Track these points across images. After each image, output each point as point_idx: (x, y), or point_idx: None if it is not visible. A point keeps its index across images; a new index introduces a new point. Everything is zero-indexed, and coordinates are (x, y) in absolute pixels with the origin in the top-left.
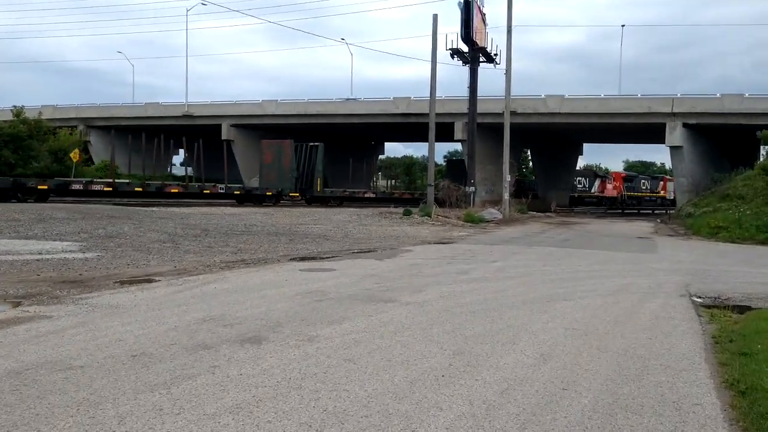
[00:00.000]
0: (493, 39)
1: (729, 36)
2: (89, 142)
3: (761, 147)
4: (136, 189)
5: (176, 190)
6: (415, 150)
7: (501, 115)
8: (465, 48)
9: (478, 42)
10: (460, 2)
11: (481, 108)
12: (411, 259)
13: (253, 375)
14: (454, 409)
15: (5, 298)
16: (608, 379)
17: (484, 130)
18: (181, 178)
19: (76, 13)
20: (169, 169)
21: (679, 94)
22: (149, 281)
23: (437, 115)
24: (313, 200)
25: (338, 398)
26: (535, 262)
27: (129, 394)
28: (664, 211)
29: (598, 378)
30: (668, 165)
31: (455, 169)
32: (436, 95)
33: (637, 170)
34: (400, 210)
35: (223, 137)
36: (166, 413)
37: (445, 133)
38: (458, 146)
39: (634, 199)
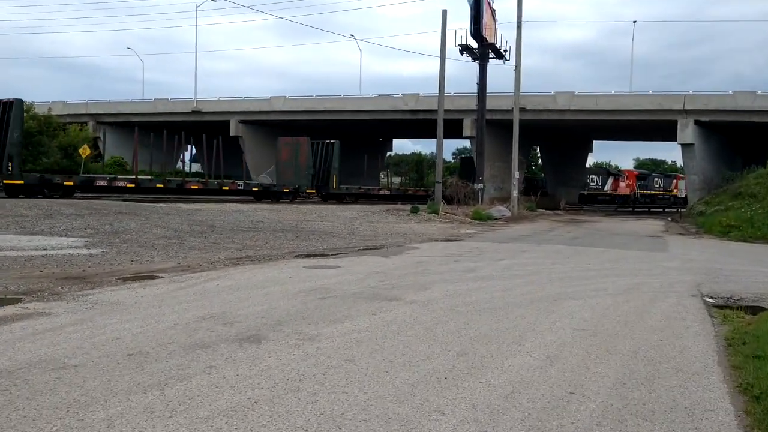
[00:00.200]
0: (503, 35)
1: (742, 33)
2: (99, 137)
3: None
4: (158, 185)
5: (196, 187)
6: (424, 146)
7: (510, 111)
8: (474, 44)
9: (487, 38)
10: None
11: (490, 104)
12: (417, 256)
13: (250, 376)
14: (457, 414)
15: (6, 295)
16: (618, 383)
17: (493, 126)
18: (200, 175)
19: (86, 8)
20: (180, 165)
21: (690, 91)
22: (152, 278)
23: (446, 111)
24: (329, 197)
25: (337, 401)
26: (543, 260)
27: (121, 395)
28: (675, 210)
29: (607, 381)
30: (679, 163)
31: (468, 167)
32: (445, 91)
33: (648, 168)
34: (408, 207)
35: (232, 133)
36: (158, 416)
37: (453, 129)
38: (467, 143)
39: (647, 197)
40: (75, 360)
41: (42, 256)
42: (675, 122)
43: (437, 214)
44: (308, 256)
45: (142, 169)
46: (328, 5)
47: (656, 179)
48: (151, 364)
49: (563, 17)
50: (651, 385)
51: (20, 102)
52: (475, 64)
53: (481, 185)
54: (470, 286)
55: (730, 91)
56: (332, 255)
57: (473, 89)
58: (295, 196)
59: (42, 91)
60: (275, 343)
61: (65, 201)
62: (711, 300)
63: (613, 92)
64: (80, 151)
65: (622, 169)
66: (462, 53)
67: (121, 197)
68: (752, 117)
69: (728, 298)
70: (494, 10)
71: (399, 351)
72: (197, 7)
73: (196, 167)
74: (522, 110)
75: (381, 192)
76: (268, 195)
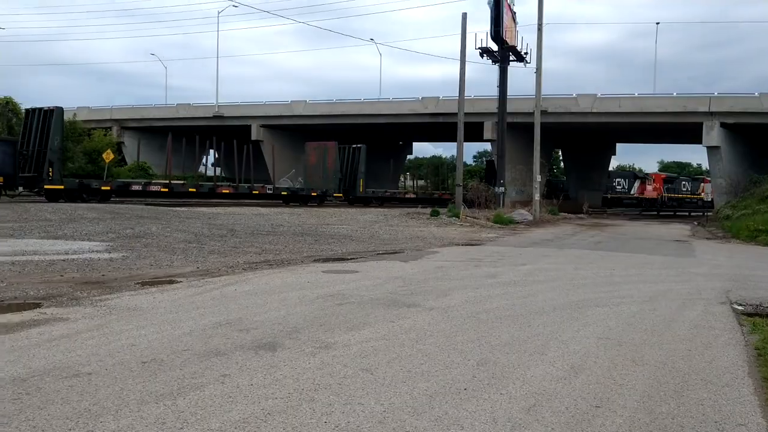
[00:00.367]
0: (524, 38)
1: None
2: (122, 142)
3: None
4: (190, 189)
5: (227, 191)
6: (445, 150)
7: (531, 114)
8: (495, 47)
9: (507, 41)
10: (489, 1)
11: (510, 107)
12: (437, 261)
13: (264, 385)
14: (476, 428)
15: (25, 300)
16: (645, 395)
17: (514, 129)
18: (223, 179)
19: (111, 16)
20: (203, 170)
21: (716, 93)
22: (171, 282)
23: (466, 114)
24: (356, 200)
25: (352, 413)
26: (566, 265)
27: (132, 405)
28: (701, 213)
29: (633, 394)
30: (705, 165)
31: (493, 170)
32: (465, 95)
33: (673, 171)
34: (428, 210)
35: (253, 138)
36: (168, 428)
37: (474, 132)
38: (488, 146)
39: (675, 201)
40: (89, 367)
41: (63, 260)
42: (700, 124)
43: (458, 217)
44: (327, 260)
45: (164, 174)
46: (348, 10)
47: (683, 182)
48: (165, 372)
49: (585, 19)
50: (680, 398)
51: (60, 110)
52: (496, 67)
53: (502, 189)
54: (491, 293)
55: (756, 93)
56: (351, 259)
57: (494, 92)
58: (322, 200)
59: (68, 97)
60: (291, 350)
61: (88, 205)
62: (740, 307)
63: (636, 94)
64: (104, 156)
65: (649, 172)
66: (482, 56)
67: (145, 201)
68: None
69: (758, 306)
70: (515, 13)
71: (417, 360)
72: (219, 12)
73: (214, 171)
74: (543, 113)
75: (407, 195)
76: (296, 198)
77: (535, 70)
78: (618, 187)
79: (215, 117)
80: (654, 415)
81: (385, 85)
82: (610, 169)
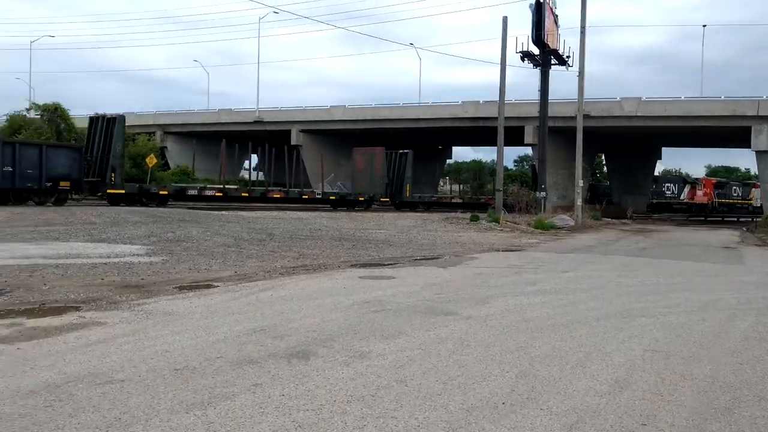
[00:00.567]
0: (566, 41)
1: None
2: (165, 147)
3: None
4: (243, 194)
5: (278, 195)
6: (485, 154)
7: (573, 118)
8: (536, 50)
9: (549, 44)
10: (531, 4)
11: (552, 111)
12: (476, 267)
13: (295, 396)
14: None
15: (66, 303)
16: (694, 413)
17: (556, 133)
18: (262, 183)
19: (157, 23)
20: (246, 174)
21: (765, 96)
22: (208, 287)
23: (507, 118)
24: (403, 205)
25: (385, 427)
26: (609, 272)
27: (163, 415)
28: (749, 219)
29: (682, 411)
30: (754, 170)
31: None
32: (506, 98)
33: (722, 176)
34: (468, 215)
35: (293, 142)
36: None
37: (514, 136)
38: (528, 150)
39: (725, 206)
40: (122, 374)
41: (105, 263)
42: (749, 128)
43: (498, 222)
44: (363, 265)
45: (207, 177)
46: (388, 14)
47: (734, 188)
48: (197, 381)
49: (629, 22)
50: (731, 416)
51: (122, 117)
52: (537, 71)
53: (543, 193)
54: (531, 301)
55: None
56: (388, 265)
57: (534, 96)
58: (369, 205)
59: (114, 103)
60: (324, 360)
61: (131, 209)
62: None
63: (682, 98)
64: (147, 160)
65: (698, 177)
66: (523, 60)
67: (190, 205)
68: None
69: None
70: (557, 16)
71: (454, 371)
72: (260, 19)
73: (256, 176)
74: (586, 117)
75: (453, 200)
76: (344, 203)
77: (577, 74)
78: (667, 192)
79: (256, 122)
80: None
81: (424, 90)
82: (656, 173)
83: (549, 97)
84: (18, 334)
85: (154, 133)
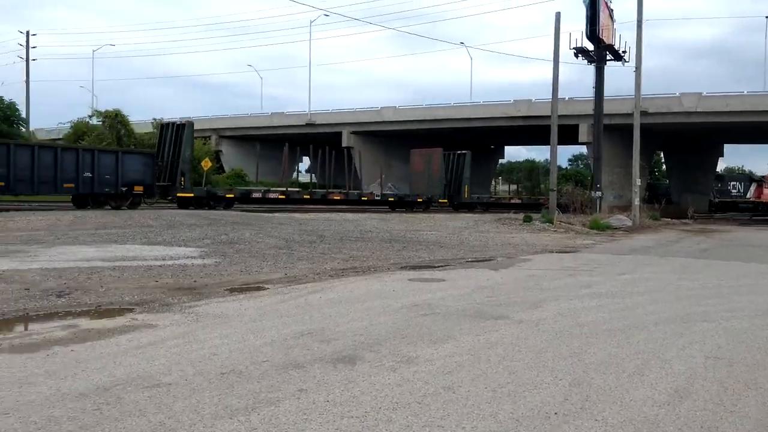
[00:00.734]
0: (621, 35)
1: None
2: (220, 151)
3: None
4: (305, 197)
5: (338, 198)
6: (538, 153)
7: (630, 115)
8: (590, 46)
9: (604, 39)
10: None
11: (607, 108)
12: (528, 269)
13: (340, 402)
14: None
15: (120, 305)
16: (759, 425)
17: (611, 131)
18: (315, 185)
19: (211, 30)
20: (298, 177)
21: None
22: (258, 289)
23: (560, 117)
24: (461, 206)
25: None
26: (669, 275)
27: (207, 420)
28: None
29: (746, 423)
30: None
31: None
32: (559, 96)
33: None
34: (521, 216)
35: (344, 144)
36: None
37: (569, 135)
38: (583, 149)
39: None
40: (169, 377)
41: (160, 265)
42: None
43: (552, 223)
44: (413, 267)
45: (261, 180)
46: (438, 14)
47: None
48: (243, 385)
49: (688, 14)
50: None
51: (191, 123)
52: (591, 67)
53: (599, 193)
54: (586, 304)
55: None
56: (438, 267)
57: (589, 93)
58: (428, 206)
59: (171, 108)
60: (371, 364)
61: (187, 212)
62: None
63: (745, 92)
64: (202, 164)
65: (765, 174)
66: (577, 56)
67: (241, 207)
68: None
69: None
70: (612, 10)
71: (504, 378)
72: (311, 22)
73: (310, 178)
74: (643, 113)
75: (512, 200)
76: (402, 205)
77: (634, 69)
78: (733, 190)
79: (307, 125)
80: None
81: (476, 89)
82: (718, 171)
83: (604, 94)
84: (73, 336)
85: (209, 137)
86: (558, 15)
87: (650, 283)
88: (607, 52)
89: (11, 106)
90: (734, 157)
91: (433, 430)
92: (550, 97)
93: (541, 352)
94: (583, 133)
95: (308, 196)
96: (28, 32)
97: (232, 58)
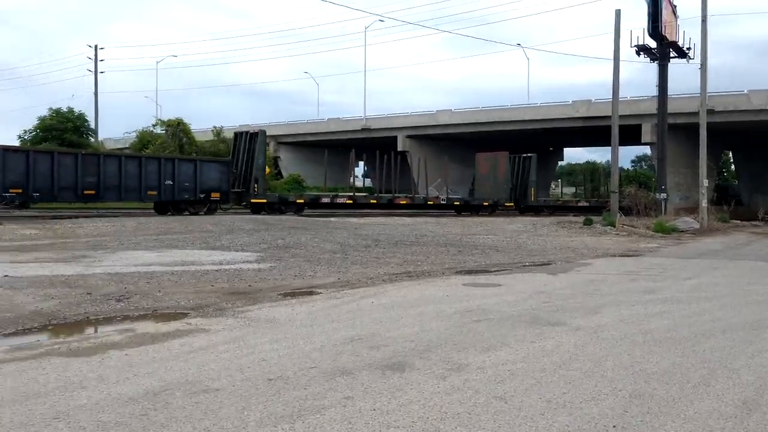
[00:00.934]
0: (685, 32)
1: None
2: (279, 157)
3: None
4: (371, 201)
5: (404, 202)
6: (600, 155)
7: (695, 114)
8: (652, 44)
9: (667, 36)
10: None
11: (671, 107)
12: (588, 274)
13: (387, 411)
14: None
15: (176, 310)
16: None
17: (676, 131)
18: (370, 190)
19: (269, 38)
20: (353, 181)
21: None
22: (310, 293)
23: (622, 117)
24: (527, 209)
25: None
26: (738, 279)
27: (251, 427)
28: None
29: None
30: None
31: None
32: (620, 95)
33: None
34: (580, 219)
35: (399, 148)
36: None
37: (630, 135)
38: (647, 149)
39: None
40: (218, 383)
41: (216, 270)
42: None
43: (613, 226)
44: (468, 272)
45: (317, 185)
46: (493, 16)
47: None
48: (289, 392)
49: (755, 9)
50: None
51: (264, 132)
52: (654, 66)
53: (663, 194)
54: (649, 311)
55: None
56: (494, 272)
57: (651, 92)
58: (494, 209)
59: (232, 116)
60: (420, 372)
61: (246, 217)
62: None
63: None
64: None
65: None
66: (639, 54)
67: (310, 212)
68: None
69: None
70: (675, 6)
71: (559, 388)
72: (366, 28)
73: (363, 182)
74: (709, 112)
75: (580, 204)
76: (468, 209)
77: (699, 66)
78: None
79: (363, 129)
80: None
81: (533, 91)
82: None
83: (668, 93)
84: (128, 340)
85: (268, 143)
86: (618, 12)
87: (718, 288)
88: (671, 50)
89: (81, 117)
90: None
91: None
92: (611, 96)
93: (599, 361)
94: (646, 133)
95: (375, 201)
96: (96, 46)
97: (289, 66)
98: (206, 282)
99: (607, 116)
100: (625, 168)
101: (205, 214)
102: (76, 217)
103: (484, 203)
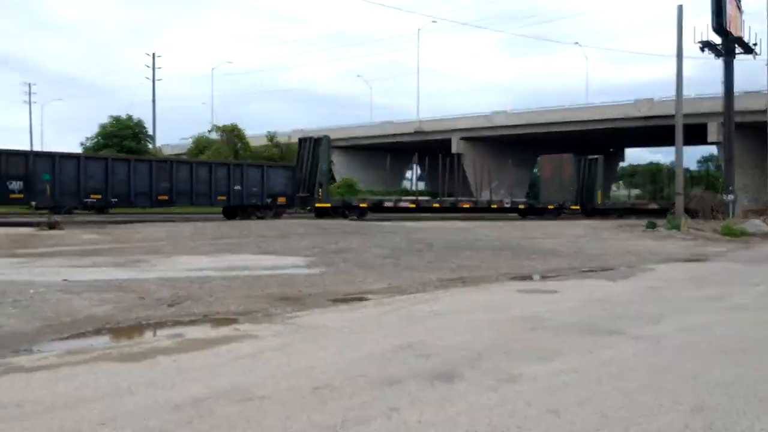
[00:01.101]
0: (751, 27)
1: None
2: (331, 161)
3: None
4: (434, 205)
5: (467, 206)
6: (663, 155)
7: (763, 112)
8: (717, 39)
9: (732, 32)
10: None
11: (738, 105)
12: (650, 280)
13: (433, 423)
14: None
15: (226, 315)
16: None
17: (743, 130)
18: (424, 193)
19: (321, 42)
20: (409, 185)
21: None
22: (360, 299)
23: (686, 116)
24: (594, 212)
25: None
26: None
27: None
28: None
29: None
30: None
31: None
32: (684, 94)
33: None
34: (643, 222)
35: (453, 151)
36: None
37: (696, 135)
38: (713, 149)
39: None
40: (263, 391)
41: (268, 275)
42: None
43: (678, 229)
44: (524, 278)
45: (369, 189)
46: (549, 14)
47: None
48: (334, 401)
49: None
50: None
51: (327, 138)
52: (719, 62)
53: (731, 196)
54: (715, 319)
55: None
56: (551, 277)
57: (716, 90)
58: (559, 213)
59: (286, 121)
60: (469, 382)
61: (299, 221)
62: None
63: None
64: None
65: None
66: (703, 50)
67: (374, 216)
68: None
69: None
70: (739, 0)
71: (616, 401)
72: (419, 30)
73: (416, 185)
74: None
75: (649, 206)
76: (533, 212)
77: (766, 63)
78: None
79: (416, 132)
80: None
81: (593, 91)
82: None
83: (734, 90)
84: (177, 345)
85: None
86: (680, 8)
87: None
88: (736, 45)
89: (139, 124)
90: None
91: None
92: (674, 95)
93: (659, 372)
94: (712, 132)
95: (438, 205)
96: (153, 54)
97: (341, 70)
98: (257, 287)
99: (670, 115)
100: (691, 169)
101: (272, 218)
102: (132, 221)
103: (549, 206)
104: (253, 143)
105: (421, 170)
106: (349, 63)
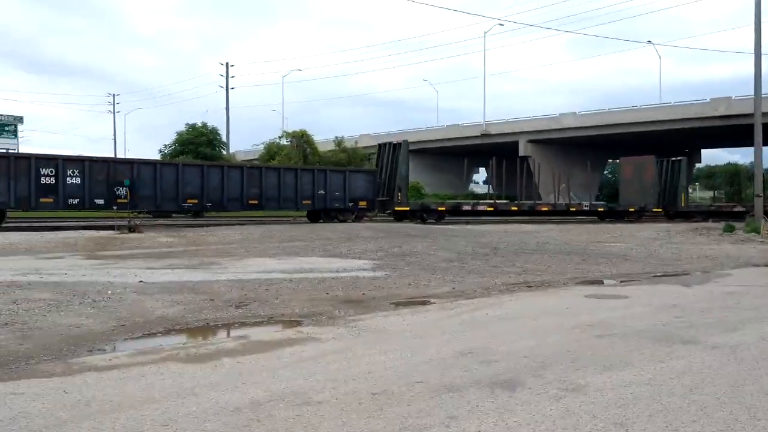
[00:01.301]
0: None
1: None
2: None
3: None
4: (512, 208)
5: (546, 209)
6: (742, 156)
7: None
8: None
9: None
10: None
11: None
12: (727, 285)
13: None
14: None
15: (291, 317)
16: None
17: None
18: (491, 196)
19: (389, 48)
20: (477, 188)
21: None
22: (423, 303)
23: (765, 114)
24: (677, 215)
25: None
26: None
27: None
28: None
29: None
30: None
31: None
32: (763, 92)
33: None
34: (719, 225)
35: (521, 153)
36: None
37: None
38: None
39: None
40: (321, 395)
41: (333, 278)
42: None
43: (758, 233)
44: (593, 282)
45: (436, 193)
46: (618, 13)
47: None
48: (392, 408)
49: None
50: None
51: (406, 143)
52: None
53: None
54: None
55: None
56: (621, 282)
57: None
58: (640, 216)
59: (354, 126)
60: (532, 391)
61: (365, 225)
62: None
63: None
64: None
65: None
66: None
67: (451, 220)
68: None
69: None
70: None
71: (688, 416)
72: (485, 33)
73: (488, 189)
74: None
75: (735, 209)
76: (612, 215)
77: None
78: None
79: (482, 135)
80: None
81: (666, 90)
82: None
83: None
84: (241, 347)
85: None
86: (758, 2)
87: None
88: None
89: (213, 131)
90: None
91: None
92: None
93: (737, 385)
94: None
95: (516, 209)
96: (227, 64)
97: (407, 74)
98: (322, 289)
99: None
100: None
101: (353, 221)
102: (207, 225)
103: (630, 209)
104: (321, 148)
105: (487, 173)
106: (415, 68)
